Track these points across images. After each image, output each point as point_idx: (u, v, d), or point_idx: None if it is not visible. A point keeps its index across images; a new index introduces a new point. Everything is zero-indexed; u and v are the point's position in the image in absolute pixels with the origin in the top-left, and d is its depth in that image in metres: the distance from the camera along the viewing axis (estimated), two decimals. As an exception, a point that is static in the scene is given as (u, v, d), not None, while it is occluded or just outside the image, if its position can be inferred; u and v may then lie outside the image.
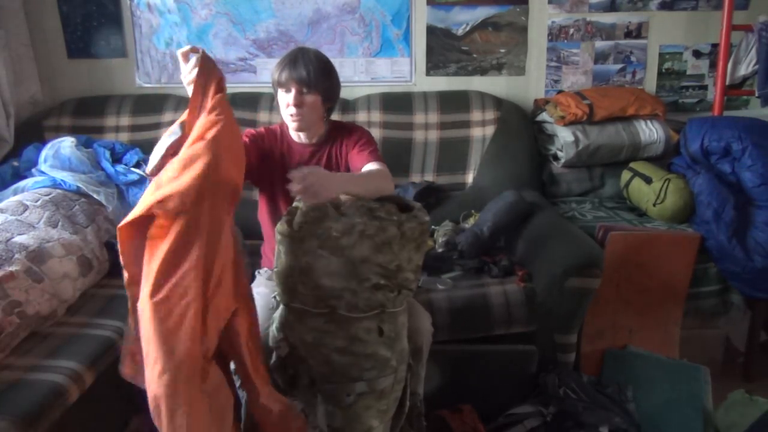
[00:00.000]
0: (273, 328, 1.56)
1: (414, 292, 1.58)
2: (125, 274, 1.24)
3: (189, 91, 1.39)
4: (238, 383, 1.67)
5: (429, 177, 2.62)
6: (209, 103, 1.33)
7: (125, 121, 2.64)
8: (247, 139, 1.83)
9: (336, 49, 2.78)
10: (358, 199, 1.53)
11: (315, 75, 1.75)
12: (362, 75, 2.82)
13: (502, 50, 2.81)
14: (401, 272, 1.45)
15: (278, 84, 1.77)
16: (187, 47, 1.42)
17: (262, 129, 1.91)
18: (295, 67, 1.74)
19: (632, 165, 2.55)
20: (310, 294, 1.45)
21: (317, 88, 1.76)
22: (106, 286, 2.08)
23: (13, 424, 1.38)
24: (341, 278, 1.42)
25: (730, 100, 2.83)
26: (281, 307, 1.54)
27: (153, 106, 2.68)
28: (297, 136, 1.88)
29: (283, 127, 1.91)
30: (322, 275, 1.43)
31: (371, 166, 1.73)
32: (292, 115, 1.78)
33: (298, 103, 1.76)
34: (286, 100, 1.78)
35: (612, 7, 2.77)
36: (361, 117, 2.61)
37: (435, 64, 2.82)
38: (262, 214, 1.93)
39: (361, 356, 1.48)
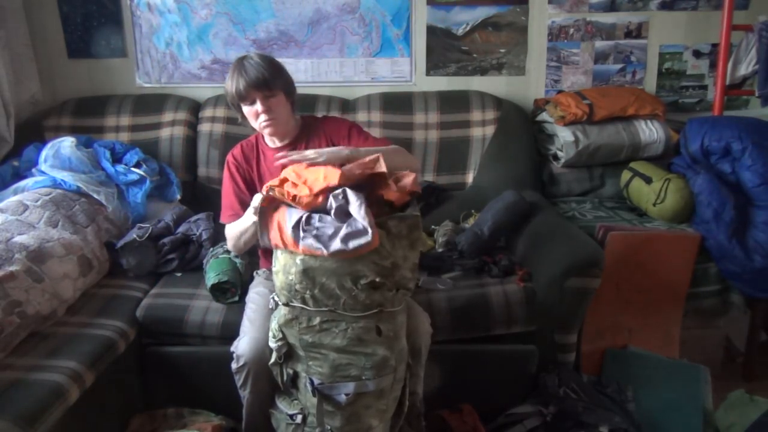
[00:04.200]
0: (272, 328, 1.56)
1: (412, 291, 1.58)
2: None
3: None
4: (239, 383, 1.68)
5: (429, 177, 2.62)
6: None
7: (125, 121, 2.64)
8: (236, 173, 1.86)
9: (336, 49, 2.78)
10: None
11: (270, 75, 1.74)
12: (362, 75, 2.82)
13: (502, 50, 2.81)
14: (397, 270, 1.45)
15: (239, 98, 1.75)
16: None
17: (239, 150, 1.91)
18: (249, 75, 1.72)
19: (632, 165, 2.55)
20: (308, 293, 1.45)
21: (277, 87, 1.76)
22: (106, 286, 2.08)
23: (13, 424, 1.38)
24: (338, 276, 1.42)
25: (730, 100, 2.83)
26: (280, 306, 1.54)
27: (153, 106, 2.68)
28: (272, 141, 1.88)
29: (258, 136, 1.91)
30: (319, 273, 1.43)
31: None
32: (265, 122, 1.77)
33: (267, 108, 1.75)
34: (253, 110, 1.77)
35: (612, 7, 2.77)
36: (361, 117, 2.61)
37: (435, 64, 2.81)
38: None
39: (360, 356, 1.48)
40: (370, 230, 1.36)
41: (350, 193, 1.41)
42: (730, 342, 2.48)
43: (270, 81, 1.73)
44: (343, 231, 1.37)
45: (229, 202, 1.86)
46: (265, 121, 1.77)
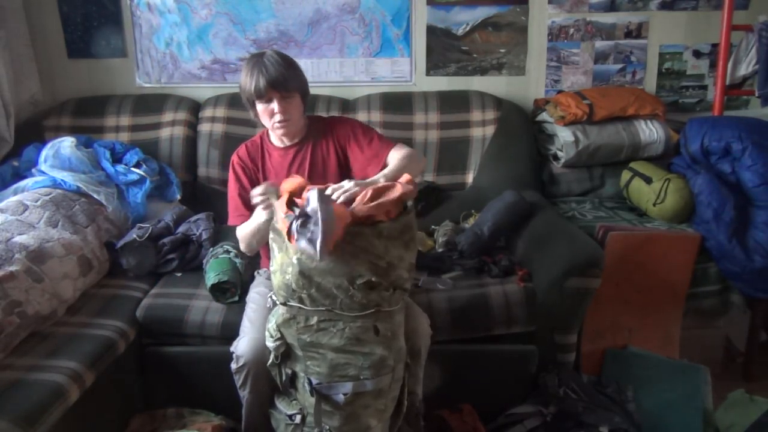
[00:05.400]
0: (270, 327, 1.56)
1: (409, 291, 1.58)
2: None
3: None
4: (238, 383, 1.68)
5: (429, 177, 2.62)
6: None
7: (125, 121, 2.64)
8: (242, 174, 1.85)
9: (336, 49, 2.78)
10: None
11: (290, 75, 1.72)
12: (362, 75, 2.82)
13: (502, 50, 2.81)
14: (393, 270, 1.45)
15: (257, 96, 1.73)
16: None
17: (244, 151, 1.89)
18: (269, 73, 1.70)
19: (632, 165, 2.55)
20: (305, 292, 1.45)
21: (295, 88, 1.75)
22: (106, 286, 2.09)
23: (13, 424, 1.38)
24: (334, 276, 1.42)
25: (730, 100, 2.83)
26: (278, 306, 1.54)
27: (153, 106, 2.68)
28: (280, 141, 1.87)
29: (262, 135, 1.90)
30: (315, 273, 1.43)
31: (395, 154, 1.73)
32: (280, 122, 1.76)
33: (283, 109, 1.74)
34: (269, 109, 1.75)
35: (612, 7, 2.77)
36: (361, 117, 2.61)
37: (435, 64, 2.81)
38: None
39: (358, 355, 1.48)
40: (318, 252, 1.34)
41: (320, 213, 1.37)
42: (730, 342, 2.48)
43: (289, 81, 1.72)
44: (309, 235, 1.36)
45: (235, 204, 1.85)
46: (279, 121, 1.76)
